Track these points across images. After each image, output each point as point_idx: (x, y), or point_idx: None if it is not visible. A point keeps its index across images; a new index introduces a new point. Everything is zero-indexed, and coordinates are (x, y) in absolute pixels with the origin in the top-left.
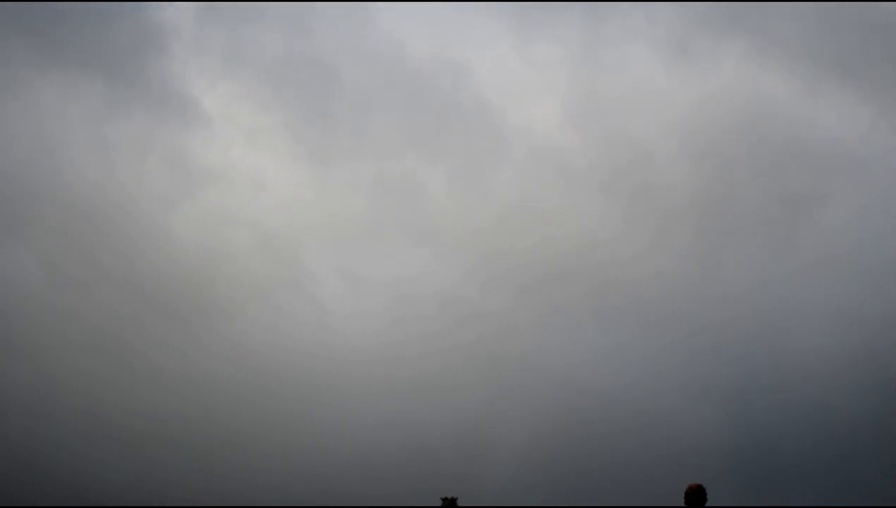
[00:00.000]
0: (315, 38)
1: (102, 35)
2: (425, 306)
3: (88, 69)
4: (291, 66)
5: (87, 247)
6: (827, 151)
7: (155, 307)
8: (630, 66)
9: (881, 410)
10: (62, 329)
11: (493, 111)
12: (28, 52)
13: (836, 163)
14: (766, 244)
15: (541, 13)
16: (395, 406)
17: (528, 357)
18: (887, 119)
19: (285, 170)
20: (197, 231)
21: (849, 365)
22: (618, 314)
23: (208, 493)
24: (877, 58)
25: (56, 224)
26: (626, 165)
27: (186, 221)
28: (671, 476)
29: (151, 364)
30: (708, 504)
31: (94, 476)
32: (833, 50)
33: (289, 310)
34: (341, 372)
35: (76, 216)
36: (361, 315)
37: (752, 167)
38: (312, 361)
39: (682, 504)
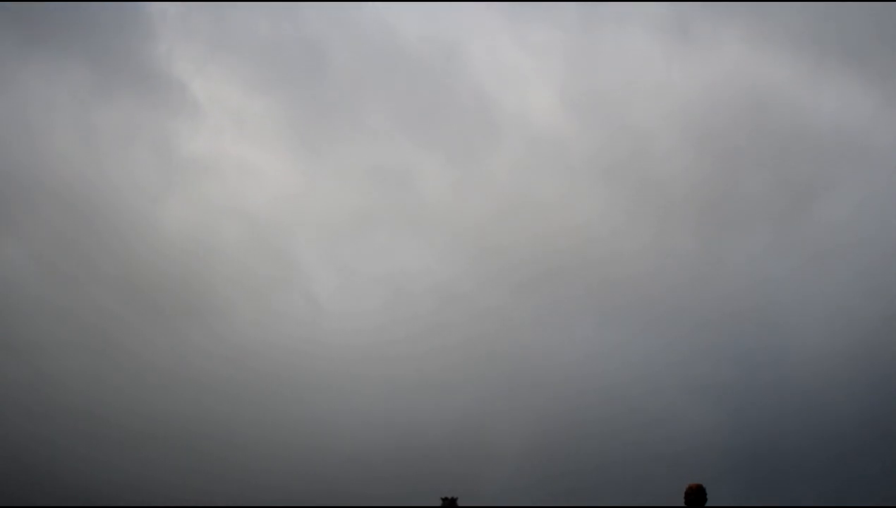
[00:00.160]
0: (304, 21)
1: (87, 18)
2: (422, 303)
3: (72, 53)
4: (280, 50)
5: (77, 241)
6: (830, 139)
7: (146, 304)
8: (629, 51)
9: (882, 409)
10: (55, 327)
11: (488, 97)
12: (11, 37)
13: (839, 152)
14: (769, 238)
15: None
16: (394, 405)
17: (527, 355)
18: (893, 105)
19: (275, 159)
20: (186, 224)
21: (851, 363)
22: (618, 311)
23: (206, 493)
24: (880, 42)
25: (44, 217)
26: (626, 156)
27: (175, 214)
28: (671, 475)
29: (145, 363)
30: (708, 504)
31: (91, 476)
32: (835, 33)
33: (282, 308)
34: (339, 370)
35: (64, 208)
36: (357, 313)
37: (754, 157)
38: (309, 360)
39: (682, 504)
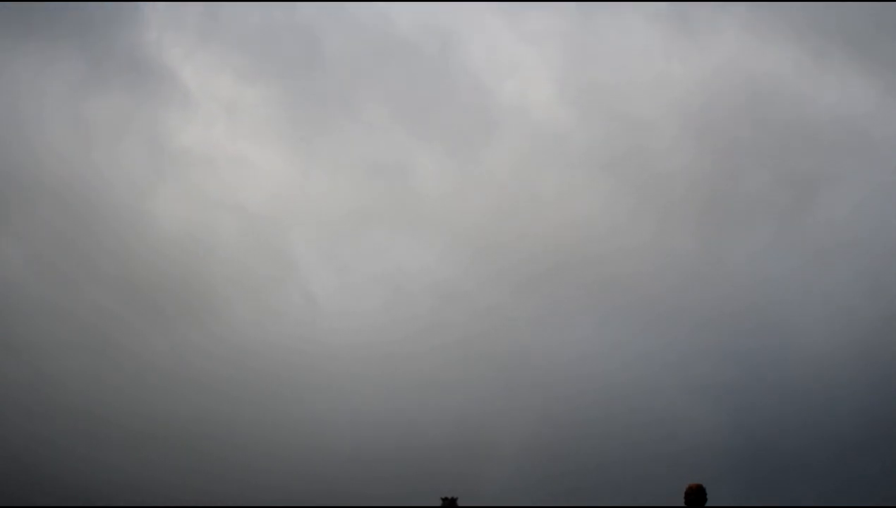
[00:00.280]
0: (296, 8)
1: (76, 8)
2: (421, 302)
3: (63, 43)
4: (272, 38)
5: (71, 238)
6: (833, 130)
7: (143, 303)
8: (628, 42)
9: (884, 409)
10: (48, 324)
11: (485, 87)
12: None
13: (841, 144)
14: (770, 236)
15: None
16: (393, 404)
17: (527, 354)
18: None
19: (270, 151)
20: (182, 220)
21: (852, 363)
22: (618, 310)
23: (206, 493)
24: (882, 31)
25: (37, 212)
26: (625, 151)
27: (170, 209)
28: (671, 475)
29: (143, 362)
30: (708, 504)
31: (87, 476)
32: (836, 23)
33: (281, 307)
34: (338, 370)
35: (57, 203)
36: (356, 313)
37: (755, 150)
38: (308, 359)
39: (682, 504)
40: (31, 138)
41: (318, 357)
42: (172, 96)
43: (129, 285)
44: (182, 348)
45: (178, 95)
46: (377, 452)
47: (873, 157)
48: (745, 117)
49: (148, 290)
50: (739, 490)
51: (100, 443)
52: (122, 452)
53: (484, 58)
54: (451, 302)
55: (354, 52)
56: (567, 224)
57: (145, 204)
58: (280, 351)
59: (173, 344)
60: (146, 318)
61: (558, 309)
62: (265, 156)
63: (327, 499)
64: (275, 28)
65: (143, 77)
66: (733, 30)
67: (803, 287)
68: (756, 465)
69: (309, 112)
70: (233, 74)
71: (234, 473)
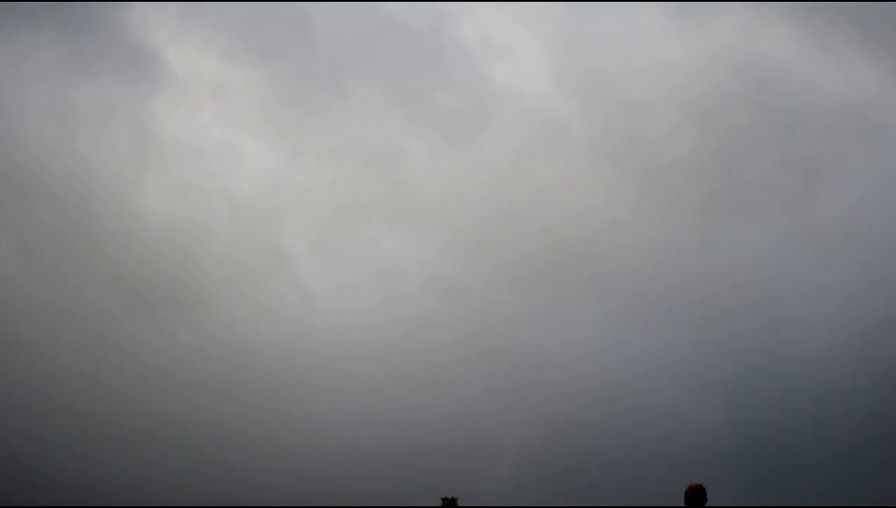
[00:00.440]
0: None
1: None
2: (419, 300)
3: (42, 26)
4: (258, 16)
5: (57, 229)
6: (837, 115)
7: (130, 299)
8: (626, 25)
9: (885, 407)
10: (38, 321)
11: (480, 71)
12: None
13: (846, 129)
14: (772, 230)
15: None
16: (393, 403)
17: (526, 352)
18: None
19: (259, 135)
20: (169, 210)
21: (853, 361)
22: (618, 308)
23: (206, 493)
24: (887, 11)
25: (22, 204)
26: (625, 140)
27: (156, 199)
28: (671, 475)
29: (139, 361)
30: (708, 504)
31: (86, 476)
32: (840, 4)
33: (274, 306)
34: (337, 369)
35: (42, 193)
36: (353, 311)
37: (757, 137)
38: (305, 358)
39: (682, 503)
40: (13, 127)
41: (315, 356)
42: (157, 80)
43: (118, 280)
44: (178, 347)
45: (163, 79)
46: (377, 452)
47: (878, 143)
48: (747, 102)
49: (138, 286)
50: (740, 489)
51: (97, 443)
52: (121, 452)
53: (478, 40)
54: (449, 299)
55: (344, 31)
56: (567, 219)
57: (133, 194)
58: (277, 351)
59: (168, 343)
60: (138, 316)
61: (559, 308)
62: (254, 144)
63: (327, 499)
64: (261, 7)
65: (126, 60)
66: (733, 13)
67: (805, 283)
68: (756, 465)
69: (298, 94)
70: (219, 56)
71: (233, 473)
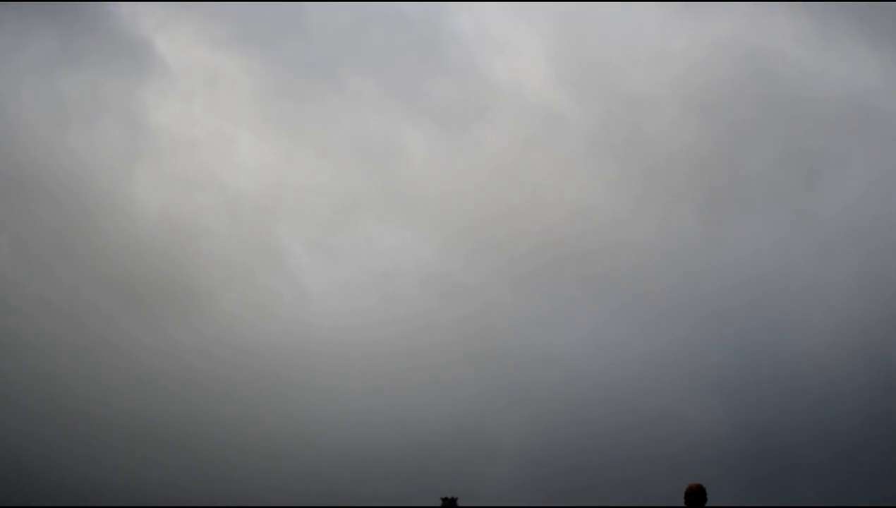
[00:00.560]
0: None
1: None
2: (417, 299)
3: (31, 17)
4: (251, 3)
5: (50, 226)
6: (839, 106)
7: (125, 296)
8: (625, 16)
9: (887, 407)
10: (33, 318)
11: (477, 62)
12: None
13: (849, 120)
14: (774, 225)
15: None
16: (392, 403)
17: (527, 352)
18: None
19: (252, 127)
20: (162, 205)
21: (854, 361)
22: (618, 306)
23: (206, 493)
24: (889, 1)
25: (13, 201)
26: (625, 134)
27: (149, 193)
28: (672, 474)
29: (137, 361)
30: (708, 504)
31: (85, 476)
32: None
33: (270, 304)
34: (336, 369)
35: (35, 188)
36: (350, 310)
37: (759, 129)
38: (304, 358)
39: (682, 503)
40: (4, 122)
41: (313, 355)
42: (149, 70)
43: (114, 278)
44: (176, 347)
45: (154, 69)
46: (377, 452)
47: (881, 135)
48: (748, 95)
49: (134, 284)
50: (740, 489)
51: (96, 443)
52: (119, 452)
53: (476, 32)
54: (448, 298)
55: (340, 20)
56: (567, 217)
57: (126, 189)
58: (275, 350)
59: (166, 342)
60: (135, 315)
61: (558, 307)
62: (248, 136)
63: (326, 499)
64: None
65: (117, 50)
66: (733, 4)
67: (806, 283)
68: (756, 465)
69: (293, 84)
70: (211, 44)
71: (233, 473)
